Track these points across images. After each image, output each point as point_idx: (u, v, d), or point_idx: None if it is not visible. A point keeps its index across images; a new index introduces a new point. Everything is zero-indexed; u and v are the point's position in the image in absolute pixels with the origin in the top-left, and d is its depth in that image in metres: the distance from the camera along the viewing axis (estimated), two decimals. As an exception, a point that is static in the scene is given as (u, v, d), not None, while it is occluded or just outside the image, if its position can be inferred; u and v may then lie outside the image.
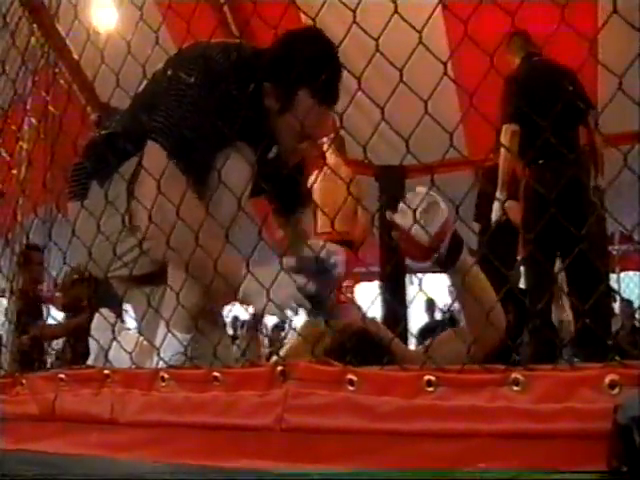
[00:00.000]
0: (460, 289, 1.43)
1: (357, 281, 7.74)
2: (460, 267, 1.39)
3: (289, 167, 1.73)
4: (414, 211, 1.27)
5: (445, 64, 0.91)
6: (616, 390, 0.70)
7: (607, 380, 0.70)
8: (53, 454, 1.18)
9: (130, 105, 1.68)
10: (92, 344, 1.77)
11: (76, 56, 3.97)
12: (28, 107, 2.43)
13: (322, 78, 1.38)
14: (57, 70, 4.00)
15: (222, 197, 1.50)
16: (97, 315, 1.78)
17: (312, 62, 1.46)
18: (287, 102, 1.56)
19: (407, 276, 5.45)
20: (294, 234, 1.86)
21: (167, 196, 1.35)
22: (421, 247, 1.36)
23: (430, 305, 7.80)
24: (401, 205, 1.33)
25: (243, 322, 8.28)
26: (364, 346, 1.26)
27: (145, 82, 1.62)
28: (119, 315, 1.81)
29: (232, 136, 1.44)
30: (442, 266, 1.40)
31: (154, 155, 1.49)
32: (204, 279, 1.45)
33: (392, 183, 5.53)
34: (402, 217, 1.33)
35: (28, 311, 4.20)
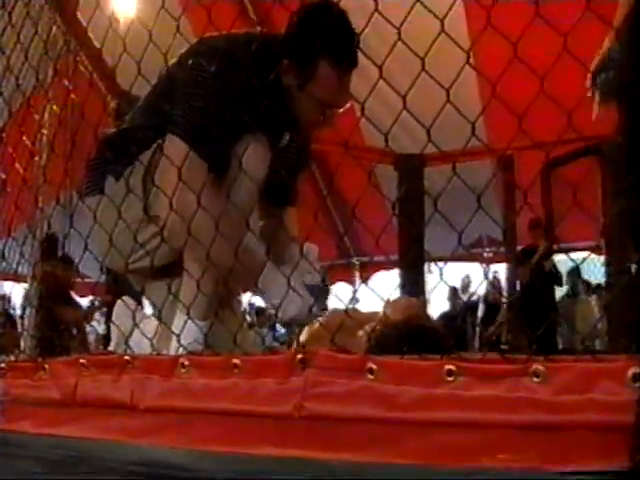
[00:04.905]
0: None
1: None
2: None
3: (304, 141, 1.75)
4: None
5: (468, 52, 0.91)
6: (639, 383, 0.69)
7: (630, 372, 0.69)
8: (74, 438, 1.19)
9: (148, 94, 1.67)
10: (113, 330, 1.79)
11: (97, 44, 3.98)
12: (50, 95, 2.44)
13: (338, 40, 1.41)
14: (78, 58, 4.01)
15: (242, 182, 1.50)
16: (118, 302, 1.80)
17: (326, 27, 1.46)
18: (307, 72, 1.56)
19: (426, 264, 5.42)
20: (274, 228, 1.81)
21: (187, 188, 1.35)
22: None
23: (453, 293, 7.79)
24: None
25: (258, 309, 8.31)
26: (424, 343, 1.22)
27: (162, 70, 1.62)
28: (139, 303, 1.82)
29: (252, 125, 1.45)
30: None
31: (175, 148, 1.50)
32: (224, 265, 1.45)
33: (411, 172, 5.50)
34: None
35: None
